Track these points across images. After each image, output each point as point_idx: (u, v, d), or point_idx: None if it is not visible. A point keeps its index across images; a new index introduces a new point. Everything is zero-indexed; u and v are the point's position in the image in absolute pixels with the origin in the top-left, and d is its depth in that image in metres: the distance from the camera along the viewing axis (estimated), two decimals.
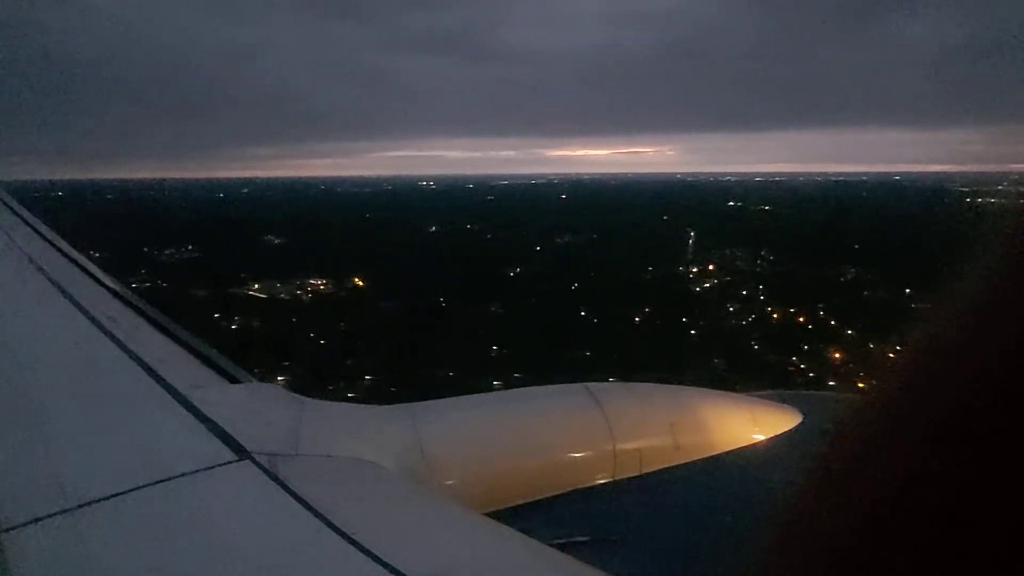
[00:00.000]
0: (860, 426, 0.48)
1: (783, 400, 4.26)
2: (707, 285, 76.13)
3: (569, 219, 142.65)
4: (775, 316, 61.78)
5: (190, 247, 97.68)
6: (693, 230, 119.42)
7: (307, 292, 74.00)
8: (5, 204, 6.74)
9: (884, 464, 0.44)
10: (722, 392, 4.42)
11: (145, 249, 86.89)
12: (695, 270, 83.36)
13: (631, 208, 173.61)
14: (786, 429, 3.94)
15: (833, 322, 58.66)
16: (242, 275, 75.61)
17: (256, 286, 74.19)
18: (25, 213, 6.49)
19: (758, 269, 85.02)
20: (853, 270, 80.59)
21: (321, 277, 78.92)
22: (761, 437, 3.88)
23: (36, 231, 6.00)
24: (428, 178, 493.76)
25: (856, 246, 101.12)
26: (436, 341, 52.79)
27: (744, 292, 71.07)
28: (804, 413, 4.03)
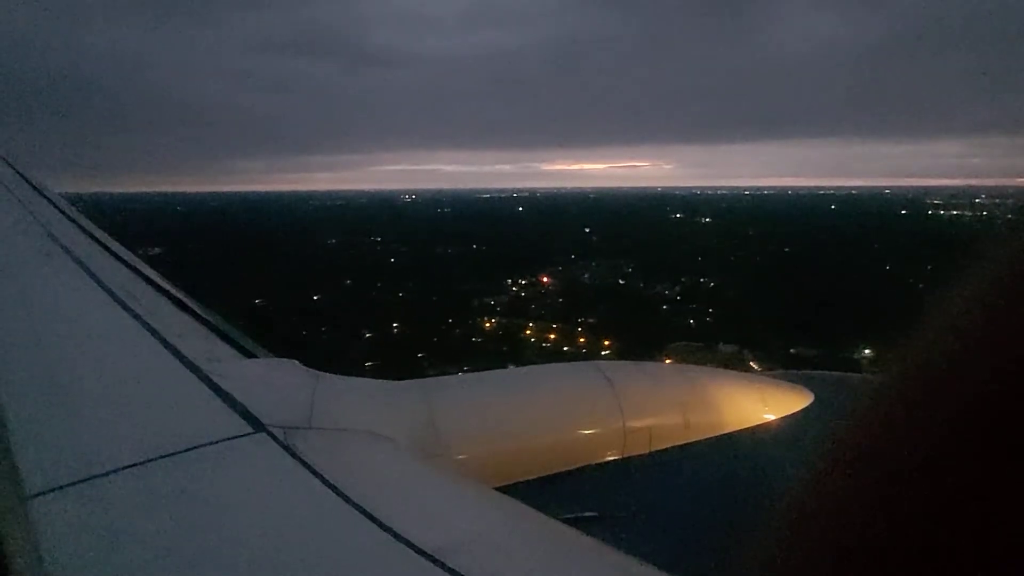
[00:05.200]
0: (871, 407, 0.47)
1: (794, 380, 4.20)
2: (506, 297, 72.56)
3: (484, 231, 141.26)
4: (527, 331, 57.78)
5: None
6: (595, 241, 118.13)
7: None
8: (25, 179, 6.73)
9: (894, 446, 0.43)
10: (733, 372, 4.46)
11: None
12: (522, 282, 79.88)
13: (564, 220, 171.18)
14: (797, 409, 3.89)
15: (583, 339, 54.68)
16: None
17: None
18: (44, 188, 6.46)
19: (596, 281, 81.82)
20: (688, 281, 77.30)
21: None
22: (771, 417, 3.84)
23: (55, 206, 5.90)
24: (411, 192, 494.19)
25: (732, 258, 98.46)
26: None
27: (534, 306, 67.32)
28: (815, 393, 3.98)
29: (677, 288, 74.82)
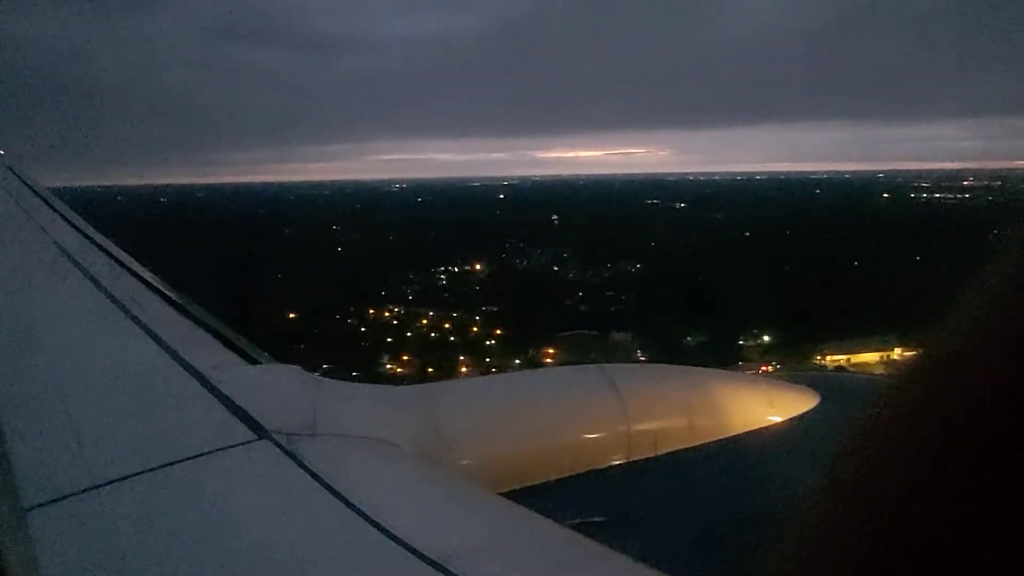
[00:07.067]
0: (881, 409, 0.46)
1: (799, 381, 4.20)
2: (419, 285, 71.03)
3: (451, 219, 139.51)
4: (422, 320, 56.33)
5: None
6: (555, 228, 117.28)
7: None
8: (29, 186, 6.60)
9: (905, 449, 0.43)
10: (738, 373, 4.69)
11: None
12: (454, 270, 78.79)
13: (536, 207, 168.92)
14: (802, 411, 3.89)
15: (475, 329, 53.19)
16: None
17: None
18: (45, 193, 6.37)
19: (530, 268, 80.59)
20: (623, 267, 75.79)
21: None
22: (777, 419, 3.84)
23: (58, 212, 5.77)
24: (402, 181, 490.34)
25: (681, 244, 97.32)
26: None
27: (446, 294, 65.91)
28: (821, 394, 3.97)
29: (605, 275, 73.25)
